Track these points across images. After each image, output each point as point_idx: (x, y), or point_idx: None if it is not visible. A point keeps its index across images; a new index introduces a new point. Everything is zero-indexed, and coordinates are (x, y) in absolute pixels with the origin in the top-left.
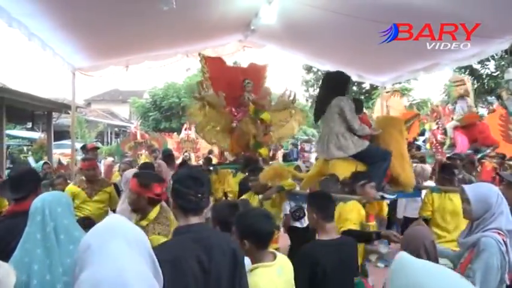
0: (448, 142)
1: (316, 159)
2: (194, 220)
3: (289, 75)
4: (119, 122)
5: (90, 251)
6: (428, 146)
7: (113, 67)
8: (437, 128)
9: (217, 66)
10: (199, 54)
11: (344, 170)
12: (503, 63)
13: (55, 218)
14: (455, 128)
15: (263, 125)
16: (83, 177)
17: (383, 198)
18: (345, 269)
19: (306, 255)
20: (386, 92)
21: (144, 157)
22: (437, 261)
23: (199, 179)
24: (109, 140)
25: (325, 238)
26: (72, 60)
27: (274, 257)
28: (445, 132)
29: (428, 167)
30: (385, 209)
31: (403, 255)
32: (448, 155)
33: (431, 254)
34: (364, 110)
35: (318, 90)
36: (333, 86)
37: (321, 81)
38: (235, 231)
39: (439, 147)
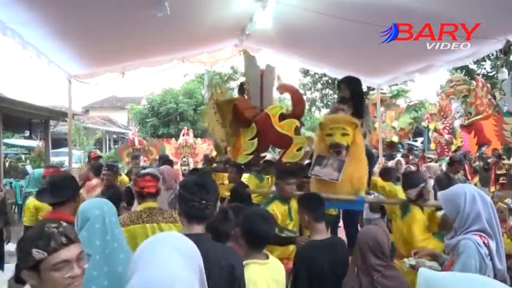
0: (456, 142)
1: None
2: (197, 229)
3: (286, 79)
4: (117, 129)
5: (141, 257)
6: (432, 146)
7: (109, 74)
8: (444, 127)
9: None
10: None
11: None
12: (498, 63)
13: (111, 227)
14: (460, 127)
15: None
16: None
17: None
18: (339, 268)
19: (303, 256)
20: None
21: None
22: (384, 259)
23: (204, 186)
24: (107, 147)
25: (318, 238)
26: (68, 68)
27: (267, 257)
28: (452, 132)
29: (435, 166)
30: None
31: (423, 273)
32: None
33: (378, 252)
34: None
35: (314, 93)
36: None
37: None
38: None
39: (445, 147)
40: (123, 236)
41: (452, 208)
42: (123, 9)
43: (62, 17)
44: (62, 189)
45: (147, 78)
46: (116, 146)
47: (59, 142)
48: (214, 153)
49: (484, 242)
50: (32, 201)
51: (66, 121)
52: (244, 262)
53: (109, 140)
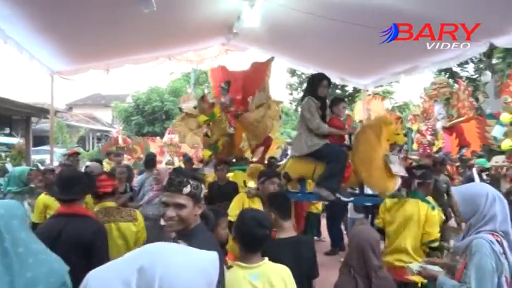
0: (438, 143)
1: None
2: None
3: (273, 79)
4: (101, 127)
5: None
6: (415, 146)
7: (93, 71)
8: (427, 129)
9: (221, 75)
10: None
11: (296, 168)
12: (481, 65)
13: (11, 232)
14: (442, 128)
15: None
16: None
17: (338, 198)
18: (301, 267)
19: (266, 255)
20: (368, 95)
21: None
22: (379, 260)
23: None
24: (91, 145)
25: (282, 236)
26: (51, 64)
27: (261, 261)
28: (434, 133)
29: None
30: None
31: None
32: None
33: (377, 252)
34: (346, 112)
35: (301, 93)
36: (307, 87)
37: None
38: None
39: (427, 148)
40: (35, 238)
41: (470, 207)
42: (108, 4)
43: (45, 12)
44: (72, 187)
45: (133, 76)
46: (100, 144)
47: (41, 140)
48: (203, 154)
49: (497, 240)
50: (41, 199)
51: (48, 118)
52: (229, 264)
53: (93, 138)
